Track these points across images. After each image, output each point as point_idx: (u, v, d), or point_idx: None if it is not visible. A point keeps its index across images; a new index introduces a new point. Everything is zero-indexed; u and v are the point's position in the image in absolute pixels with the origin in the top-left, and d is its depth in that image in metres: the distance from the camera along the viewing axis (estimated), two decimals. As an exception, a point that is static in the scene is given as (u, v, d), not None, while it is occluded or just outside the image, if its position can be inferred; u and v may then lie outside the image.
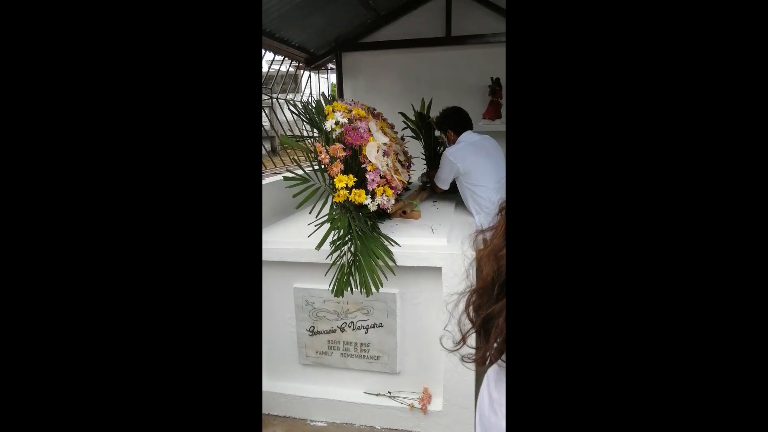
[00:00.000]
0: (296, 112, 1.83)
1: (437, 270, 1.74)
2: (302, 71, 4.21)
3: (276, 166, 3.53)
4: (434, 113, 3.06)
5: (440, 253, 1.72)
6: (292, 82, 4.64)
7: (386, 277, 1.69)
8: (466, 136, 2.42)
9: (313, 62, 3.84)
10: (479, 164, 2.29)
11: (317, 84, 4.76)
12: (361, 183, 1.78)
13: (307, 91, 4.33)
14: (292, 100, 3.28)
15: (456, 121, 2.49)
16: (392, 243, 1.76)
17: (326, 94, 2.12)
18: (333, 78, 4.32)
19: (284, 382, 2.05)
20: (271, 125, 4.26)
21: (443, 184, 2.47)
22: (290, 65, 3.71)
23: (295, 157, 1.76)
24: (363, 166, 1.78)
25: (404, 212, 2.12)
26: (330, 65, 4.29)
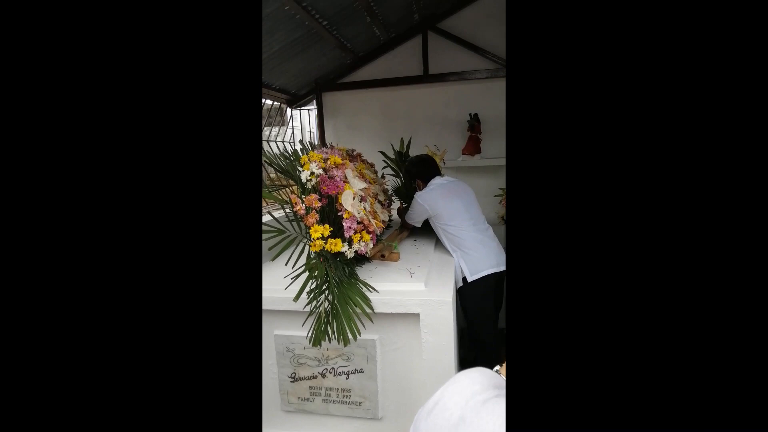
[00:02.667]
0: (269, 162, 1.86)
1: (415, 316, 1.76)
2: (286, 108, 4.28)
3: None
4: (414, 150, 3.13)
5: (418, 299, 1.74)
6: (278, 116, 4.70)
7: (364, 326, 1.70)
8: (436, 181, 2.52)
9: (295, 102, 3.91)
10: (448, 206, 2.38)
11: (306, 118, 4.83)
12: (338, 230, 1.81)
13: (295, 124, 4.39)
14: (281, 140, 3.32)
15: (422, 171, 2.60)
16: (370, 289, 1.79)
17: (304, 142, 2.16)
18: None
19: (267, 429, 2.03)
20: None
21: (413, 223, 2.59)
22: (274, 102, 3.78)
23: (278, 197, 1.78)
24: (339, 213, 1.81)
25: (383, 255, 2.14)
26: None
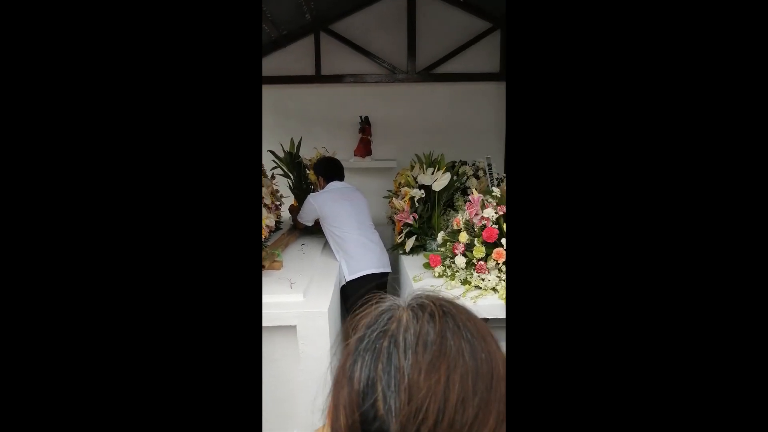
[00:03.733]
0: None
1: (293, 327, 1.79)
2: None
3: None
4: (304, 151, 3.13)
5: (295, 311, 1.77)
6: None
7: (240, 340, 1.70)
8: (333, 185, 2.62)
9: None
10: (338, 209, 2.48)
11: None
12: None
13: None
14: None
15: (326, 170, 2.71)
16: (248, 302, 1.78)
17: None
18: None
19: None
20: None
21: (304, 222, 2.68)
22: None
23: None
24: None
25: (263, 266, 2.13)
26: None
